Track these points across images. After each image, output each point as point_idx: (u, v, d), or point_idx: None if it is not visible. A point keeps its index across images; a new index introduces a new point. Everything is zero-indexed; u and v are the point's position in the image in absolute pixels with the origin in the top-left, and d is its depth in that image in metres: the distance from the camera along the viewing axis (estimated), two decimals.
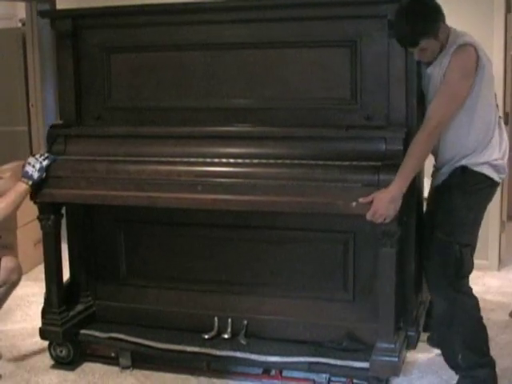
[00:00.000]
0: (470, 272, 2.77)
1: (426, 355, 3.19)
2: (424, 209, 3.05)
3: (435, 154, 2.80)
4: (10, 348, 3.44)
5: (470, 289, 2.78)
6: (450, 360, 2.80)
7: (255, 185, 2.72)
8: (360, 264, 2.92)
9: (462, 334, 2.72)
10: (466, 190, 2.71)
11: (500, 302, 3.59)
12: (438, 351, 3.15)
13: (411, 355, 3.16)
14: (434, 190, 2.89)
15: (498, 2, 4.10)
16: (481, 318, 2.78)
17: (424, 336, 3.28)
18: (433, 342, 3.25)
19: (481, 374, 2.72)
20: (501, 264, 4.45)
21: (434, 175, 2.88)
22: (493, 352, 2.82)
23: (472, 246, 2.77)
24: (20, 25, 5.53)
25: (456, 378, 2.82)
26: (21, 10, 5.60)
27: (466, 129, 2.65)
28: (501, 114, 4.14)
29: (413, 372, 3.03)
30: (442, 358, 3.06)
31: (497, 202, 4.30)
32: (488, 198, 2.81)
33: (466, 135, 2.66)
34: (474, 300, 2.77)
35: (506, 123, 4.36)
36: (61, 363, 3.19)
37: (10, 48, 5.40)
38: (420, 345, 3.25)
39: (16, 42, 5.40)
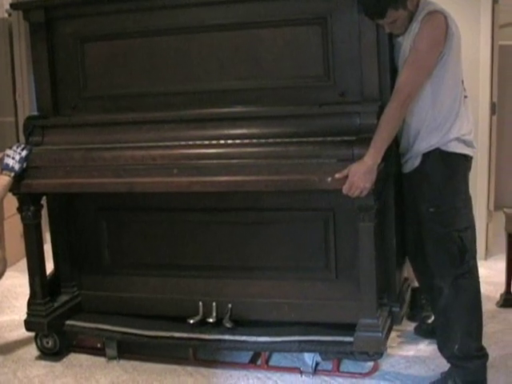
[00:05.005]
0: (474, 253, 2.70)
1: (413, 345, 3.16)
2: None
3: (399, 135, 2.72)
4: None
5: (476, 272, 2.70)
6: (447, 349, 2.72)
7: (230, 165, 2.71)
8: (341, 242, 2.90)
9: (464, 319, 2.68)
10: (447, 175, 2.65)
11: (487, 291, 3.55)
12: (425, 341, 3.16)
13: (398, 346, 3.14)
14: (407, 176, 2.78)
15: None
16: (481, 302, 2.73)
17: (411, 326, 3.28)
18: (420, 332, 3.23)
19: (473, 365, 2.67)
20: (488, 253, 4.44)
21: (403, 163, 2.79)
22: None
23: (471, 227, 2.70)
24: (6, 15, 5.37)
25: (443, 367, 2.77)
26: (7, 0, 5.47)
27: (430, 100, 2.60)
28: (487, 104, 4.16)
29: (400, 362, 3.00)
30: (429, 348, 3.08)
31: (484, 191, 4.31)
32: (467, 174, 2.74)
33: (431, 106, 2.61)
34: (478, 284, 2.71)
35: (494, 113, 4.34)
36: (47, 354, 3.18)
37: None
38: (407, 334, 3.25)
39: (2, 32, 5.28)
